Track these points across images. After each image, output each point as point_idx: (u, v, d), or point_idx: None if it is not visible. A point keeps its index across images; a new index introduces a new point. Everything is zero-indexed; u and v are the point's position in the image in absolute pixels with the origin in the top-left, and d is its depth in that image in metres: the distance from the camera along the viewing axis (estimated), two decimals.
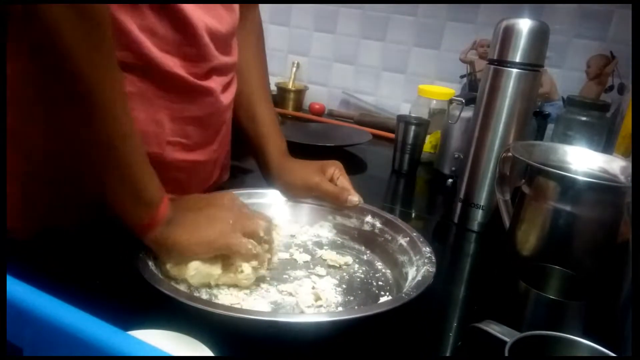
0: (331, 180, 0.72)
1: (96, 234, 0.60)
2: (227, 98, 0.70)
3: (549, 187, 0.63)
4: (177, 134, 0.63)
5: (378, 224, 0.70)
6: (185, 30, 0.58)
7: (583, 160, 0.69)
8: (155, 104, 0.60)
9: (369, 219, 0.70)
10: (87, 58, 0.46)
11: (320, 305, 0.56)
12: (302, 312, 0.54)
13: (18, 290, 0.26)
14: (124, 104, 0.51)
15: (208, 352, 0.40)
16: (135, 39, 0.55)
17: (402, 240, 0.65)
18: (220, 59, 0.65)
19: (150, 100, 0.59)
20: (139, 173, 0.53)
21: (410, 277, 0.59)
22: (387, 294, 0.60)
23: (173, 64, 0.59)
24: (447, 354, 0.53)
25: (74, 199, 0.60)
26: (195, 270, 0.55)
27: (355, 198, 0.69)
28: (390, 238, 0.67)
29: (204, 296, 0.56)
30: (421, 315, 0.55)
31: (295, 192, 0.73)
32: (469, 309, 0.61)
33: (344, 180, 0.72)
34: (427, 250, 0.61)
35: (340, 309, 0.56)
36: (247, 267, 0.56)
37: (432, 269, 0.57)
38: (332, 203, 0.71)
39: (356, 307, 0.57)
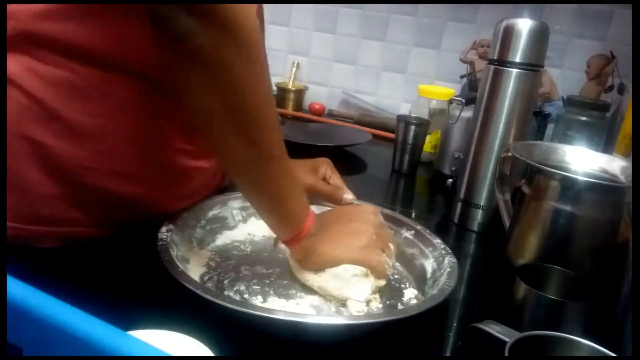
0: (324, 179, 0.72)
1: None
2: None
3: (549, 187, 0.63)
4: (186, 142, 0.63)
5: None
6: None
7: (583, 160, 0.69)
8: (163, 114, 0.59)
9: None
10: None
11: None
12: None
13: (18, 290, 0.26)
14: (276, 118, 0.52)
15: (208, 352, 0.40)
16: (144, 50, 0.53)
17: (407, 234, 0.67)
18: None
19: (159, 110, 0.58)
20: (289, 188, 0.54)
21: (430, 269, 0.61)
22: (407, 284, 0.62)
23: None
24: (447, 354, 0.53)
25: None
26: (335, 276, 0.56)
27: (349, 196, 0.70)
28: (392, 232, 0.68)
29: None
30: (421, 315, 0.55)
31: None
32: (469, 309, 0.61)
33: (336, 179, 0.73)
34: (438, 241, 0.63)
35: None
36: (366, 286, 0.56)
37: (454, 259, 0.59)
38: (327, 202, 0.72)
39: (387, 302, 0.58)
